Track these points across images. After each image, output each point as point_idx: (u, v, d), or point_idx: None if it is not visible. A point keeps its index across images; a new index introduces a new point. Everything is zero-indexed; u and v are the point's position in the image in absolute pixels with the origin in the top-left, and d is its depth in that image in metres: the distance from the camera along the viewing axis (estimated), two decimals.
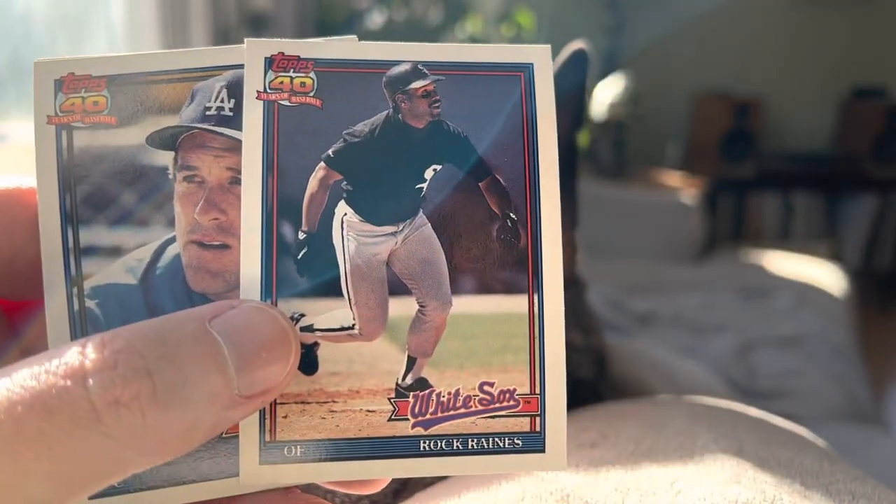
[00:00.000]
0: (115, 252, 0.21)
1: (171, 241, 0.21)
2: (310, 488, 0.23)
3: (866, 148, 2.39)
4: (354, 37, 0.22)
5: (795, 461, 0.31)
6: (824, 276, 1.45)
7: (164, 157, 0.21)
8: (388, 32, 1.68)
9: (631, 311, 1.22)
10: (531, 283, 0.22)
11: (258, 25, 1.58)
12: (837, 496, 0.29)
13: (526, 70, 0.22)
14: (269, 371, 0.18)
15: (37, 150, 0.21)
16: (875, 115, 2.39)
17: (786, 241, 2.31)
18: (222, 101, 0.21)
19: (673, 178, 2.10)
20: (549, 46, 0.23)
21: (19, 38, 1.15)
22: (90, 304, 0.21)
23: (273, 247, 0.21)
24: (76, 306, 0.20)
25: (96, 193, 0.21)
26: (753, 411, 0.40)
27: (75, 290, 0.20)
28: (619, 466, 0.31)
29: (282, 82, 0.21)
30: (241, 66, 0.21)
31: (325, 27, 1.79)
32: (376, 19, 1.73)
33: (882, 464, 0.74)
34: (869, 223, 2.34)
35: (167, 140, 0.21)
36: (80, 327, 0.20)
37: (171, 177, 0.21)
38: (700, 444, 0.33)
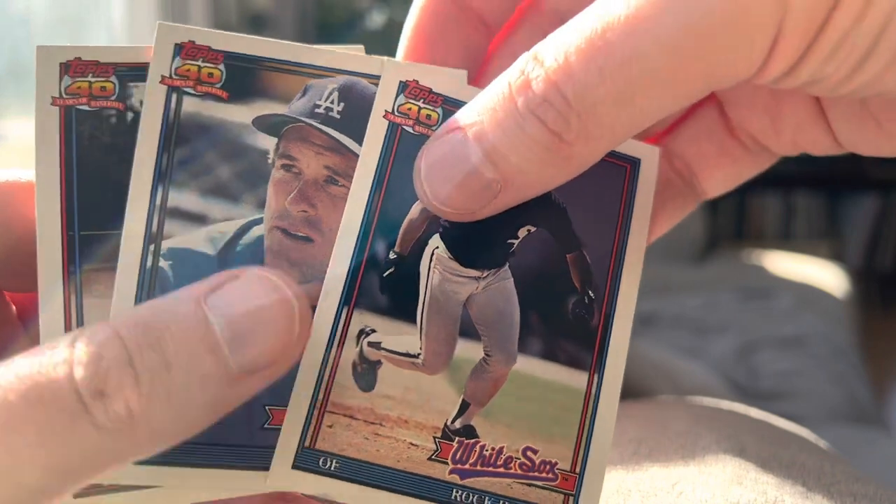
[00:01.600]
0: (200, 220, 0.21)
1: (258, 222, 0.21)
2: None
3: None
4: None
5: (797, 462, 0.31)
6: (826, 276, 1.45)
7: (267, 142, 0.21)
8: (389, 33, 1.68)
9: None
10: (594, 363, 0.22)
11: (258, 25, 1.58)
12: (839, 497, 0.28)
13: (633, 164, 0.23)
14: (269, 345, 0.17)
15: (144, 107, 0.21)
16: None
17: (787, 241, 2.30)
18: (332, 102, 0.22)
19: None
20: (658, 149, 0.24)
21: (20, 38, 1.15)
22: (164, 263, 0.21)
23: (364, 258, 0.21)
24: (149, 263, 0.21)
25: (194, 160, 0.21)
26: (755, 412, 0.40)
27: (152, 248, 0.21)
28: (620, 467, 0.31)
29: (410, 109, 0.22)
30: (356, 74, 0.22)
31: (325, 27, 1.79)
32: (376, 19, 1.73)
33: (884, 465, 0.74)
34: (871, 223, 2.34)
35: (273, 126, 0.21)
36: (149, 284, 0.21)
37: (270, 161, 0.21)
38: (702, 445, 0.32)
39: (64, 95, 0.20)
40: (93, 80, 0.21)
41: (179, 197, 0.21)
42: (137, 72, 0.21)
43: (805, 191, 2.36)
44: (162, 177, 0.21)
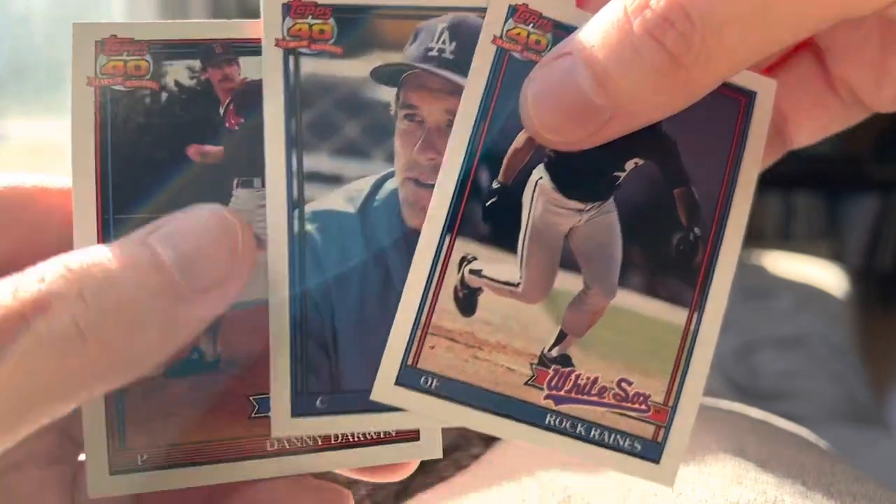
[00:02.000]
0: (336, 180, 0.22)
1: (390, 175, 0.22)
2: (322, 474, 0.23)
3: (868, 148, 2.39)
4: None
5: (797, 462, 0.31)
6: (826, 276, 1.45)
7: (387, 93, 0.22)
8: None
9: None
10: (695, 301, 0.22)
11: None
12: (839, 497, 0.29)
13: (749, 97, 0.23)
14: (214, 260, 0.18)
15: (264, 73, 0.21)
16: (877, 115, 2.38)
17: (787, 241, 2.30)
18: (444, 42, 0.22)
19: None
20: (774, 81, 0.23)
21: (20, 38, 1.15)
22: (310, 227, 0.21)
23: (467, 187, 0.21)
24: (297, 228, 0.21)
25: (321, 121, 0.21)
26: (755, 412, 0.40)
27: (297, 213, 0.21)
28: None
29: (518, 33, 0.21)
30: (461, 9, 0.21)
31: None
32: None
33: (884, 465, 0.74)
34: (871, 223, 2.33)
35: (391, 76, 0.22)
36: (299, 248, 0.21)
37: (392, 113, 0.22)
38: (702, 445, 0.32)
39: (99, 75, 0.21)
40: (128, 58, 0.21)
41: (313, 160, 0.21)
42: (171, 49, 0.21)
43: (805, 191, 2.36)
44: (294, 142, 0.21)
